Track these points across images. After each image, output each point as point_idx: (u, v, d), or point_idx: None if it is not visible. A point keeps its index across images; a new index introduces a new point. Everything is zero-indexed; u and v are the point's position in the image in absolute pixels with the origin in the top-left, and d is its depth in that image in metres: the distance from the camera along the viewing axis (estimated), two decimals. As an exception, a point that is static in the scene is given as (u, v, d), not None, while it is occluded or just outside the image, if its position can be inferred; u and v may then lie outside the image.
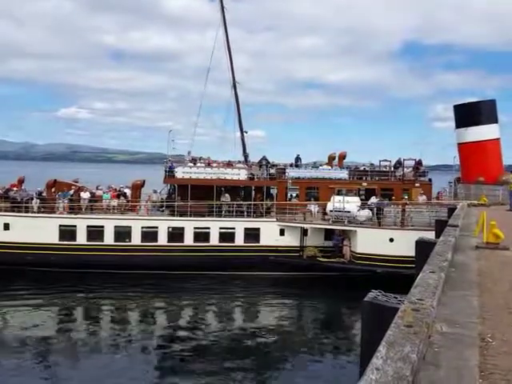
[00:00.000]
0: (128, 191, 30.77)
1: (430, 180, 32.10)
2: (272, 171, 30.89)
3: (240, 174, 29.84)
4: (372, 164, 33.37)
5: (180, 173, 29.33)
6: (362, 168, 33.27)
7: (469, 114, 33.83)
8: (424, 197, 29.26)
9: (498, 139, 34.44)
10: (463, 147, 34.21)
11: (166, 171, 29.50)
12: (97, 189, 30.55)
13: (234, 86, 34.80)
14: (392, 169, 32.24)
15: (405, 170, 31.70)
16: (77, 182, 31.29)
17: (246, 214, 28.24)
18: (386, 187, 30.73)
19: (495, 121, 34.41)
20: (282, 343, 18.57)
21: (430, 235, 15.15)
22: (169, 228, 27.31)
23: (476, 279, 7.14)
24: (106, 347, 17.48)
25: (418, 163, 31.95)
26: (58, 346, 17.41)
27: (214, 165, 31.14)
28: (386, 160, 33.04)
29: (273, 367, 16.46)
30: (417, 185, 30.92)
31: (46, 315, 20.97)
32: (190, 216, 27.45)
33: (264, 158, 31.92)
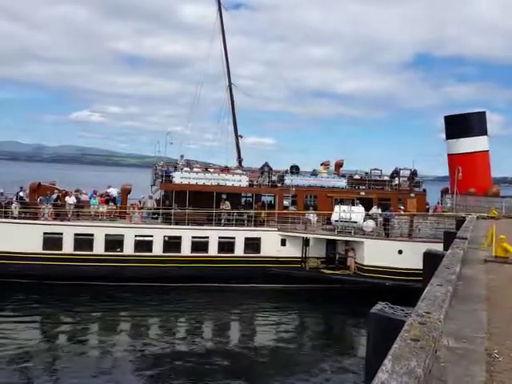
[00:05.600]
0: (114, 190, 30.09)
1: (424, 190, 32.83)
2: (274, 178, 30.99)
3: (241, 181, 29.83)
4: (367, 173, 33.81)
5: (178, 178, 28.92)
6: (355, 176, 33.57)
7: (459, 126, 34.95)
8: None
9: (487, 151, 35.57)
10: (453, 158, 35.06)
11: (162, 176, 29.18)
12: (76, 192, 29.22)
13: (230, 89, 35.06)
14: (387, 178, 32.73)
15: (400, 179, 32.34)
16: (54, 185, 30.09)
17: (246, 222, 28.27)
18: (383, 197, 31.21)
19: (485, 133, 35.45)
20: (283, 357, 18.61)
21: (439, 247, 15.32)
22: (164, 237, 26.95)
23: (484, 293, 7.29)
24: (94, 364, 17.02)
25: (413, 173, 32.51)
26: (41, 365, 16.77)
27: (212, 170, 31.15)
28: (376, 169, 33.52)
29: (274, 382, 16.53)
30: (412, 195, 31.56)
31: (29, 330, 20.29)
32: (188, 224, 27.28)
33: (266, 165, 31.68)
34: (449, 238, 13.90)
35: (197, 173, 29.82)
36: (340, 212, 27.20)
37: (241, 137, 35.33)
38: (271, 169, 31.59)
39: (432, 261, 9.47)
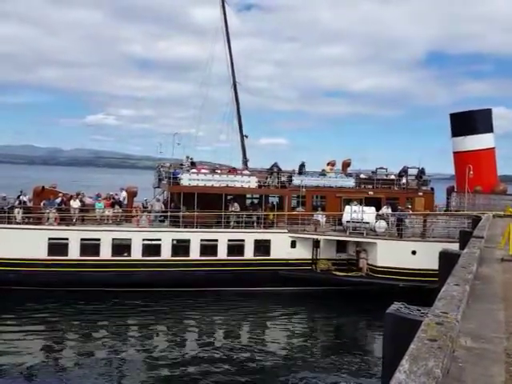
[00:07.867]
0: (124, 194, 29.88)
1: (432, 189, 32.89)
2: (283, 179, 30.95)
3: (250, 182, 29.78)
4: (374, 172, 33.81)
5: (186, 180, 28.72)
6: (361, 176, 33.56)
7: (464, 123, 35.10)
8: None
9: (493, 148, 35.70)
10: (458, 156, 35.03)
11: (169, 178, 28.96)
12: (77, 195, 28.81)
13: (235, 87, 34.99)
14: (394, 177, 32.74)
15: (408, 178, 32.44)
16: (55, 188, 29.76)
17: (256, 224, 28.26)
18: (391, 196, 31.29)
19: (490, 130, 35.56)
20: (297, 360, 18.61)
21: (454, 247, 15.27)
22: (173, 240, 26.92)
23: (501, 292, 7.28)
24: (101, 372, 16.91)
25: (421, 172, 32.62)
26: (47, 373, 16.70)
27: (219, 171, 31.14)
28: (382, 168, 33.55)
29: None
30: (420, 194, 31.63)
31: (34, 339, 20.16)
32: (196, 227, 27.22)
33: (275, 165, 31.47)
34: (465, 237, 13.87)
35: (205, 174, 29.63)
36: (351, 212, 27.15)
37: (246, 137, 35.24)
38: (280, 169, 31.41)
39: (448, 260, 9.46)
